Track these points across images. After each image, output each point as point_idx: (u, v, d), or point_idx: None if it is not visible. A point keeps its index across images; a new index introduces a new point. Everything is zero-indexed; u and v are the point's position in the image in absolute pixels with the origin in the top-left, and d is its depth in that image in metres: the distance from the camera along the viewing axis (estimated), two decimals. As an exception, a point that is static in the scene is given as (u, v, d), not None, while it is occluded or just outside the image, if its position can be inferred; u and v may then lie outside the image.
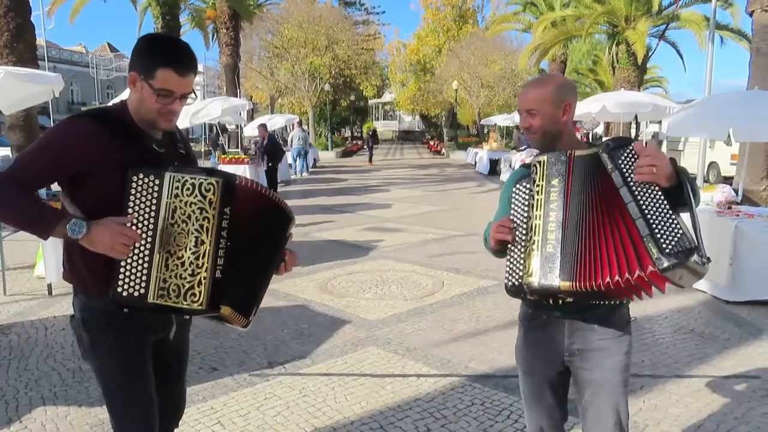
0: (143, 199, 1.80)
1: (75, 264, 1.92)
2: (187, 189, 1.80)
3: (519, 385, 2.28)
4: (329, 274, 6.74)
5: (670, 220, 1.74)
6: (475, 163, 23.63)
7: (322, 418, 3.41)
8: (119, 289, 1.80)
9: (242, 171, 13.45)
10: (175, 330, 2.08)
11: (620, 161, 1.84)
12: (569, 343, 2.06)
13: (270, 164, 14.41)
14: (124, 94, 8.47)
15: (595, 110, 11.46)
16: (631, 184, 1.80)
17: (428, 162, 29.54)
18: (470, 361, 4.23)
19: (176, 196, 1.80)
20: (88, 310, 1.92)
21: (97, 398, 3.63)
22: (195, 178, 1.81)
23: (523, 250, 1.94)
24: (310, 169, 22.20)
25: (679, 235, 1.72)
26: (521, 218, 1.97)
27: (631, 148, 1.84)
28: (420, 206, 12.75)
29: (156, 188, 1.80)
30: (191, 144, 2.36)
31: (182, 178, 1.80)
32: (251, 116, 26.70)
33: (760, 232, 5.39)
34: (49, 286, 5.86)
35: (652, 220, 1.76)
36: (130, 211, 1.79)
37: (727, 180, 14.39)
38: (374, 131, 33.68)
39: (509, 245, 1.99)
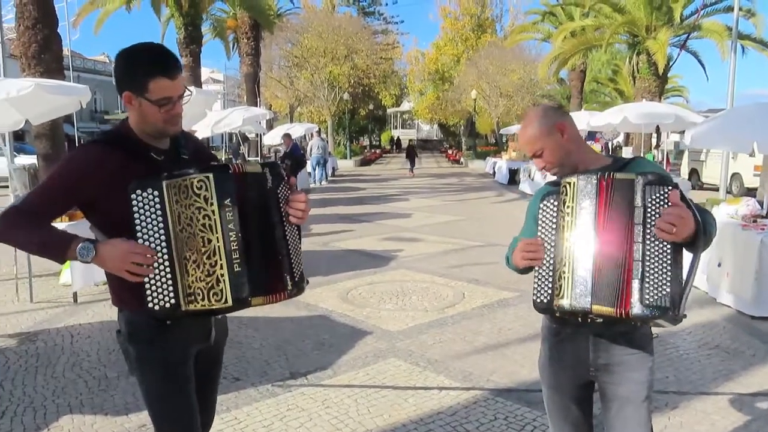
0: (147, 213, 1.81)
1: (113, 282, 1.96)
2: (183, 192, 1.79)
3: (543, 400, 2.27)
4: (349, 284, 6.75)
5: (664, 277, 1.79)
6: (494, 172, 23.58)
7: (345, 430, 3.42)
8: (150, 305, 1.83)
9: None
10: (215, 335, 2.11)
11: (650, 200, 1.82)
12: (594, 357, 2.07)
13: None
14: None
15: (617, 121, 11.40)
16: (648, 227, 1.81)
17: (447, 171, 29.54)
18: (492, 374, 4.22)
19: (177, 201, 1.80)
20: (133, 324, 1.96)
21: (122, 407, 3.68)
22: (186, 180, 1.78)
23: (552, 269, 1.95)
24: (329, 178, 22.30)
25: (662, 294, 1.78)
26: (549, 236, 1.98)
27: (666, 191, 1.81)
28: (439, 216, 12.74)
29: (157, 199, 1.80)
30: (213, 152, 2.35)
31: (176, 182, 1.80)
32: (270, 125, 26.94)
33: (787, 246, 5.31)
34: (75, 294, 5.96)
35: (648, 269, 1.80)
36: (138, 227, 1.81)
37: (750, 191, 14.19)
38: (412, 146, 31.26)
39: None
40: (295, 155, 15.14)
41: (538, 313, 2.05)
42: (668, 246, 1.80)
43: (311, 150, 20.71)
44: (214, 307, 1.81)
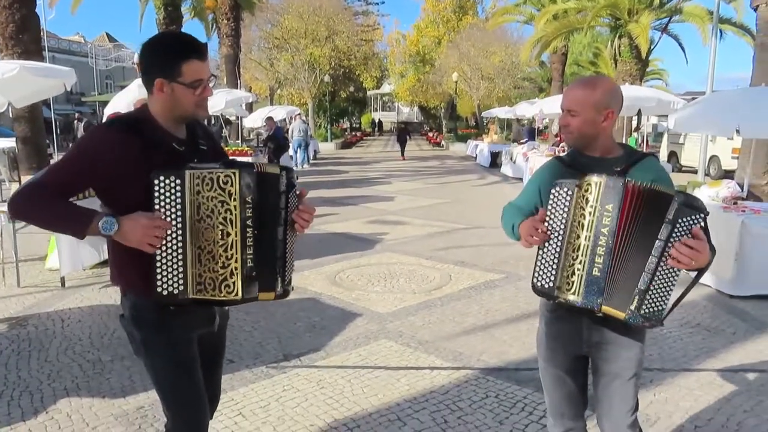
0: (168, 200, 1.85)
1: (120, 266, 1.99)
2: (207, 184, 1.84)
3: (539, 375, 2.35)
4: (337, 267, 6.80)
5: (666, 294, 1.90)
6: (476, 155, 23.70)
7: (341, 410, 3.48)
8: (159, 289, 1.88)
9: (245, 163, 13.49)
10: (218, 322, 2.17)
11: (679, 221, 1.87)
12: (588, 335, 2.15)
13: (270, 155, 14.58)
14: (133, 87, 8.32)
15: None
16: (669, 246, 1.87)
17: (428, 154, 29.55)
18: (482, 354, 4.31)
19: (198, 192, 1.85)
20: (137, 308, 1.99)
21: (119, 389, 3.71)
22: (212, 173, 1.84)
23: (557, 257, 1.99)
24: (311, 161, 22.22)
25: (660, 308, 1.90)
26: (559, 224, 2.00)
27: (696, 218, 1.87)
28: (422, 199, 12.81)
29: (178, 188, 1.85)
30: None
31: (201, 174, 1.85)
32: (251, 108, 26.68)
33: (767, 227, 5.46)
34: (62, 279, 5.92)
35: (654, 284, 1.89)
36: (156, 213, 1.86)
37: (728, 173, 14.47)
38: (405, 126, 28.63)
39: (543, 243, 2.04)
40: (277, 138, 15.06)
41: (533, 293, 2.11)
42: (679, 271, 1.90)
43: (293, 133, 20.59)
44: (223, 298, 1.88)
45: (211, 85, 1.98)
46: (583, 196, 1.96)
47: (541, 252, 2.05)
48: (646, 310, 1.89)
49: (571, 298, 1.97)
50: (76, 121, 25.94)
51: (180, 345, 2.02)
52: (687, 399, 3.61)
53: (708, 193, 6.38)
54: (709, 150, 15.27)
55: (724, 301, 5.52)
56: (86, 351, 4.33)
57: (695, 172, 13.94)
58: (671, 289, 1.89)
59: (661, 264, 1.87)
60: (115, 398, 3.59)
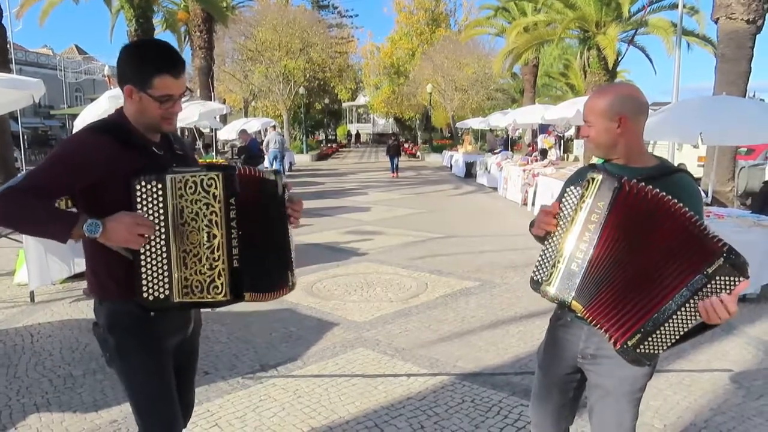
0: (150, 204, 1.85)
1: (98, 274, 1.98)
2: (190, 188, 1.86)
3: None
4: (314, 277, 6.79)
5: (668, 342, 1.81)
6: (451, 165, 23.91)
7: (318, 419, 3.48)
8: (144, 294, 1.88)
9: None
10: (192, 327, 2.17)
11: (716, 279, 1.75)
12: (583, 347, 2.09)
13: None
14: (103, 100, 8.18)
15: (570, 114, 11.74)
16: (697, 297, 1.77)
17: (404, 165, 29.62)
18: (458, 361, 4.35)
19: (181, 196, 1.86)
20: (113, 315, 1.98)
21: (91, 404, 3.65)
22: (195, 176, 1.86)
23: (554, 252, 1.98)
24: (287, 173, 22.18)
25: (658, 350, 1.82)
26: (565, 221, 1.97)
27: (734, 281, 1.75)
28: (398, 209, 12.87)
29: (160, 192, 1.85)
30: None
31: (183, 177, 1.86)
32: (225, 120, 26.55)
33: (731, 232, 5.61)
34: (32, 294, 5.80)
35: (664, 328, 1.80)
36: None
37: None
38: (397, 139, 25.01)
39: (546, 240, 2.02)
40: (252, 150, 15.01)
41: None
42: (697, 319, 1.78)
43: (269, 144, 20.54)
44: (210, 299, 1.90)
45: (184, 99, 1.99)
46: (582, 193, 1.92)
47: (545, 246, 2.02)
48: (643, 349, 1.81)
49: (547, 289, 1.93)
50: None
51: (154, 352, 2.01)
52: (656, 398, 3.68)
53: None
54: (676, 158, 15.65)
55: (692, 304, 5.64)
56: (57, 366, 4.25)
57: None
58: (677, 336, 1.80)
59: (680, 313, 1.78)
60: (87, 412, 3.54)
